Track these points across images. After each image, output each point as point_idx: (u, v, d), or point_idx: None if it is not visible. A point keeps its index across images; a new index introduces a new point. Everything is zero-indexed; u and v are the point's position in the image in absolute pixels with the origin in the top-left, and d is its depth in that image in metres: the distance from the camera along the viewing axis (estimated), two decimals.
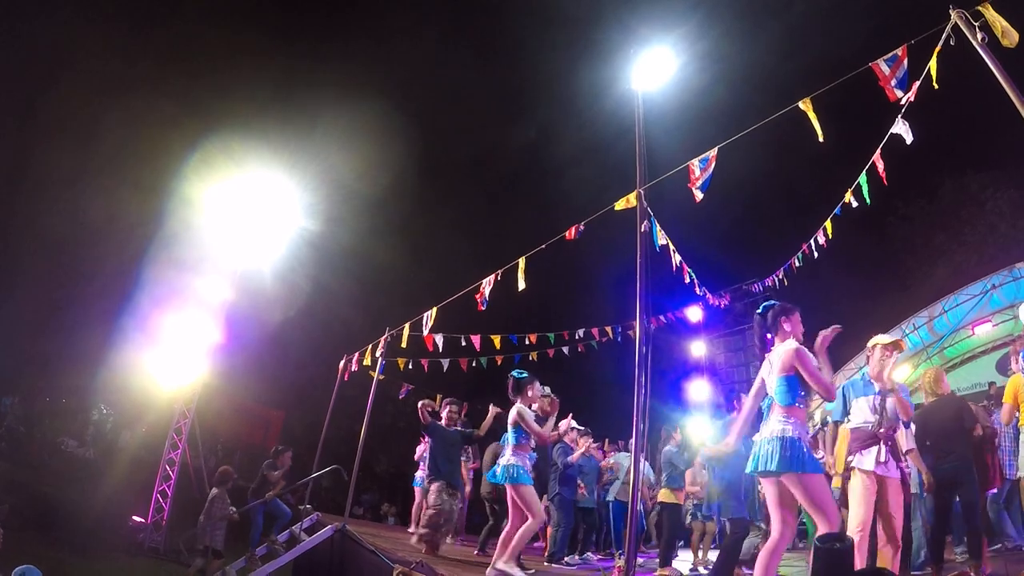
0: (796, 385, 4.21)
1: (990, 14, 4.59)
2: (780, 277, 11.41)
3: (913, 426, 5.75)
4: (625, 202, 6.60)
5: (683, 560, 9.72)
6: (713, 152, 6.20)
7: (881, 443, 4.88)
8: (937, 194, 24.70)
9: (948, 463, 5.91)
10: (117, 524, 12.39)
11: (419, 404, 8.56)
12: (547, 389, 7.04)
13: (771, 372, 4.38)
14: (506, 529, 6.10)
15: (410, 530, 11.03)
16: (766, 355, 4.53)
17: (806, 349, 4.31)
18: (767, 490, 4.29)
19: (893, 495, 4.85)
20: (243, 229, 13.71)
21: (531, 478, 6.00)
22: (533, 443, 6.28)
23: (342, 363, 12.40)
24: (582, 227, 7.40)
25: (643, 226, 6.27)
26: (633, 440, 5.38)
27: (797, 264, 10.36)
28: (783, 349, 4.34)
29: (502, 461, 6.15)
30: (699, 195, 6.25)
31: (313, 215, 14.66)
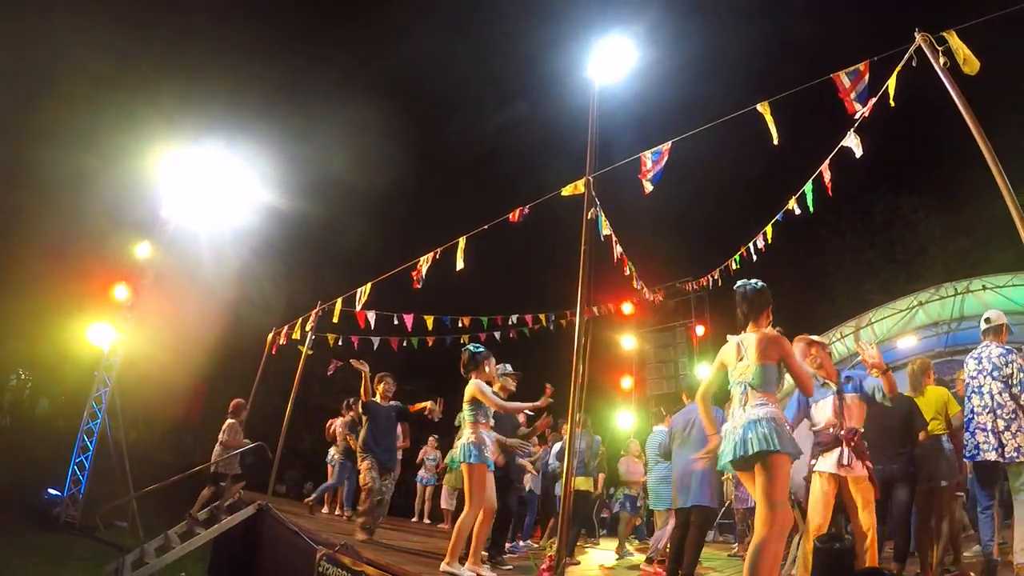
0: (776, 374, 4.09)
1: (954, 41, 4.70)
2: (715, 277, 11.50)
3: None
4: (573, 188, 6.51)
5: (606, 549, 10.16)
6: (666, 145, 6.19)
7: (843, 445, 4.86)
8: (870, 211, 25.43)
9: (899, 462, 5.97)
10: (31, 496, 11.81)
11: (379, 377, 8.37)
12: (508, 367, 6.77)
13: (745, 358, 4.17)
14: (461, 517, 5.63)
15: (325, 510, 10.79)
16: (736, 337, 4.36)
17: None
18: (748, 479, 4.06)
19: (862, 491, 4.79)
20: (179, 190, 13.17)
21: (490, 459, 5.61)
22: (492, 422, 5.87)
23: (271, 336, 12.10)
24: (527, 210, 7.31)
25: (590, 214, 6.19)
26: (568, 429, 5.28)
27: (734, 266, 10.44)
28: (767, 336, 4.17)
29: (459, 441, 5.73)
30: (649, 187, 6.24)
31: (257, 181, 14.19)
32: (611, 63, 7.03)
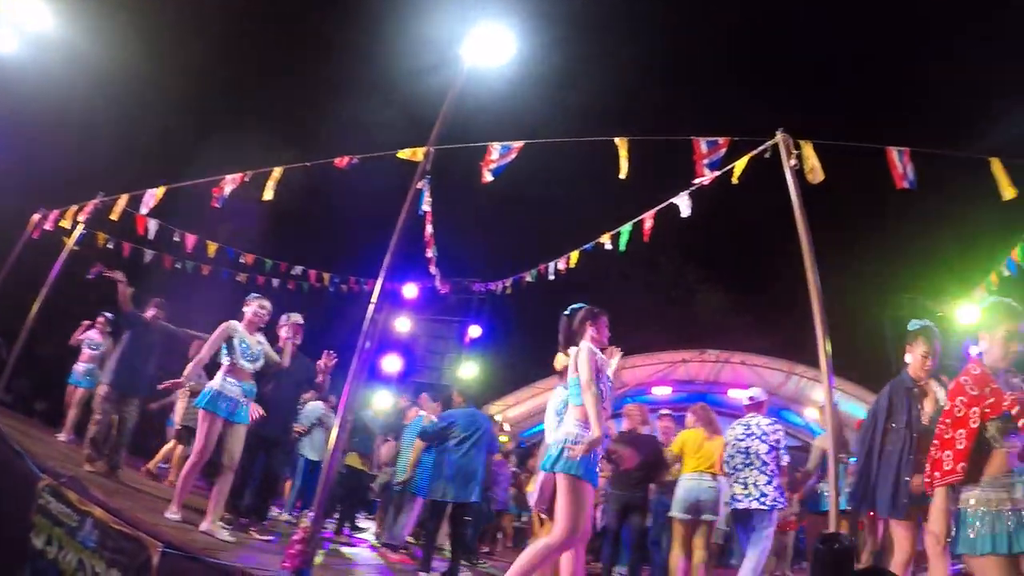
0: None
1: (807, 150, 5.27)
2: (507, 285, 11.56)
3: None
4: (411, 154, 6.32)
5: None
6: (519, 144, 6.29)
7: None
8: (661, 265, 26.79)
9: (639, 492, 6.92)
10: None
11: (119, 279, 7.29)
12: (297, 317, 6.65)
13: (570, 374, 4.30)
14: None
15: (60, 437, 9.50)
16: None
17: (594, 351, 4.30)
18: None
19: None
20: None
21: (213, 403, 5.43)
22: (246, 365, 5.69)
23: (36, 217, 10.65)
24: (356, 160, 7.01)
25: (420, 184, 6.03)
26: (343, 397, 5.01)
27: (528, 279, 10.55)
28: (575, 350, 4.31)
29: None
30: (489, 177, 6.31)
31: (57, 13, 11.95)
32: (486, 47, 6.88)
